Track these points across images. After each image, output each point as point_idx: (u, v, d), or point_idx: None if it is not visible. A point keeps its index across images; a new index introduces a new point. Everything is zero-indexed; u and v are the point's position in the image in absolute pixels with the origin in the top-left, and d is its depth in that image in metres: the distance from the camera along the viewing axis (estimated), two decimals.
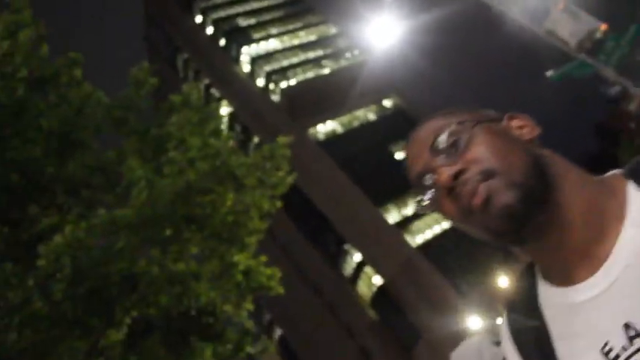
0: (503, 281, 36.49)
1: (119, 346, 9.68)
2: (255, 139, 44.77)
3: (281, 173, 8.76)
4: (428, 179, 1.02)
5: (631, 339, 0.91)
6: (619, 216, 0.97)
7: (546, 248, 0.99)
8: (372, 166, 45.15)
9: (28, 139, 9.72)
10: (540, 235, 0.96)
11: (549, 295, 1.02)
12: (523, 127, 1.06)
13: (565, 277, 0.99)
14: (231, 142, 8.60)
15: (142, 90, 9.89)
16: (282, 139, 8.81)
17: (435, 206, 1.03)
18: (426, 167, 1.02)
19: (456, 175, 0.97)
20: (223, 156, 8.04)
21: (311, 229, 44.17)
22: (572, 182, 0.99)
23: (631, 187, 1.00)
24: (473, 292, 38.45)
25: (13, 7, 9.10)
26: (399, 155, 48.82)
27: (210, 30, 57.27)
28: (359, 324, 43.21)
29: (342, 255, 44.47)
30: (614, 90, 16.54)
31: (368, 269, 43.26)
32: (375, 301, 43.12)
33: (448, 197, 0.98)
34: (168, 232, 8.29)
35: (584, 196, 0.98)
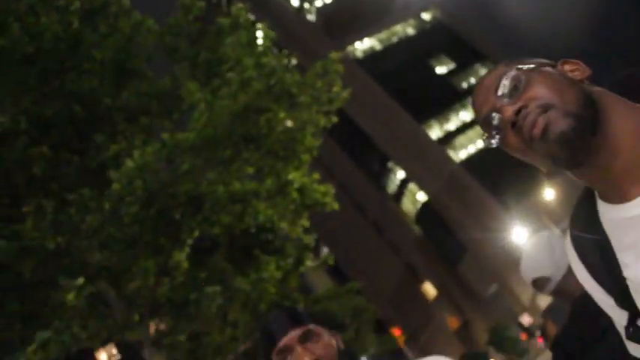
0: (549, 193, 36.27)
1: (185, 264, 10.26)
2: (293, 61, 44.40)
3: (336, 88, 8.87)
4: (494, 118, 1.17)
5: None
6: None
7: (600, 171, 1.12)
8: (413, 82, 44.43)
9: (85, 71, 10.01)
10: (594, 158, 1.10)
11: (607, 212, 1.16)
12: (575, 70, 1.20)
13: (619, 196, 1.12)
14: (285, 61, 8.69)
15: (190, 15, 9.96)
16: (335, 55, 8.86)
17: (502, 141, 1.18)
18: (492, 108, 1.17)
19: (518, 111, 1.11)
20: (278, 74, 8.17)
21: (354, 148, 44.32)
22: (620, 112, 1.12)
23: None
24: (518, 206, 38.43)
25: None
26: (440, 69, 47.79)
27: None
28: (404, 241, 43.99)
29: (385, 173, 44.74)
30: None
31: (412, 186, 43.52)
32: (419, 217, 43.60)
33: (512, 131, 1.13)
34: (227, 152, 8.59)
35: (632, 124, 1.10)
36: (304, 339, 1.50)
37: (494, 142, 1.18)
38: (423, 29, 50.44)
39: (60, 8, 9.27)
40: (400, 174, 43.80)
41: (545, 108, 1.09)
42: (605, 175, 1.12)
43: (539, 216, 36.36)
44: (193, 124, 8.25)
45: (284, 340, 1.49)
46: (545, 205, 35.94)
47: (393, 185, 44.64)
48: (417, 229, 44.04)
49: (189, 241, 10.08)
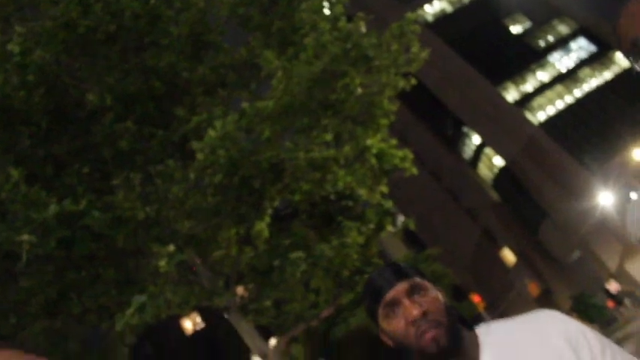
0: (636, 154, 34.37)
1: (266, 232, 10.44)
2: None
3: (414, 49, 8.66)
4: None
5: None
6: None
7: None
8: (487, 43, 42.94)
9: (163, 46, 10.23)
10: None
11: None
12: None
13: None
14: (362, 24, 8.54)
15: None
16: (412, 16, 8.63)
17: None
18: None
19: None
20: (355, 38, 8.05)
21: (427, 114, 43.58)
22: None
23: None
24: (601, 168, 36.69)
25: None
26: (515, 29, 45.86)
27: None
28: (481, 207, 43.11)
29: (460, 138, 43.80)
30: None
31: (488, 150, 42.44)
32: (497, 182, 42.55)
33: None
34: (306, 119, 8.59)
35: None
36: (412, 292, 1.47)
37: None
38: None
39: None
40: (476, 138, 42.74)
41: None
42: None
43: (626, 178, 34.63)
44: (272, 93, 8.29)
45: (391, 293, 1.47)
46: (632, 165, 34.16)
47: (468, 150, 43.66)
48: (494, 195, 43.02)
49: (270, 210, 10.25)
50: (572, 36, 44.33)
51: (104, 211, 8.32)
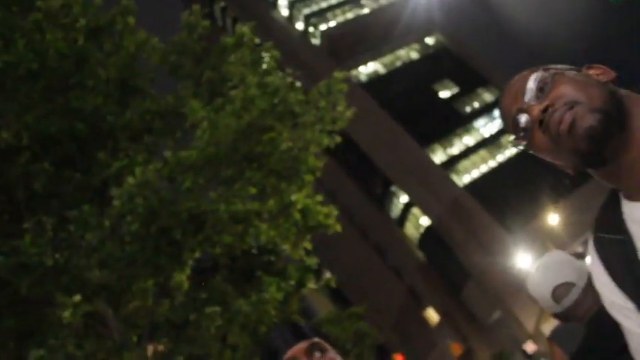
0: (552, 219, 36.07)
1: (186, 285, 10.12)
2: (298, 84, 44.59)
3: (340, 108, 8.83)
4: (521, 119, 1.19)
5: None
6: None
7: (625, 169, 1.12)
8: (417, 106, 44.56)
9: (89, 89, 10.00)
10: (619, 155, 1.11)
11: (631, 211, 1.15)
12: (600, 73, 1.22)
13: None
14: (288, 80, 8.65)
15: (194, 33, 9.98)
16: (339, 75, 8.84)
17: (529, 141, 1.19)
18: (519, 109, 1.19)
19: (545, 109, 1.13)
20: (282, 93, 8.13)
21: (357, 171, 44.28)
22: None
23: None
24: (522, 230, 38.17)
25: None
26: (444, 94, 47.96)
27: None
28: (407, 266, 43.65)
29: (388, 197, 44.62)
30: None
31: (415, 210, 43.34)
32: (422, 242, 43.33)
33: (539, 130, 1.15)
34: (230, 171, 8.52)
35: None
36: (311, 351, 1.41)
37: (522, 143, 1.20)
38: (427, 53, 50.76)
39: (65, 25, 9.29)
40: (403, 198, 43.66)
41: (572, 105, 1.11)
42: (629, 172, 1.13)
43: (544, 241, 36.08)
44: (196, 143, 8.20)
45: (290, 352, 1.41)
46: (550, 230, 35.69)
47: (396, 209, 44.47)
48: (420, 254, 43.74)
49: (191, 262, 9.96)
50: (496, 104, 46.70)
51: (8, 256, 7.84)
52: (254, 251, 10.64)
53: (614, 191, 1.23)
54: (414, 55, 50.92)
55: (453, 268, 41.28)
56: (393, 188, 43.94)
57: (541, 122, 1.14)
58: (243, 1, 54.29)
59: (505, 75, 49.57)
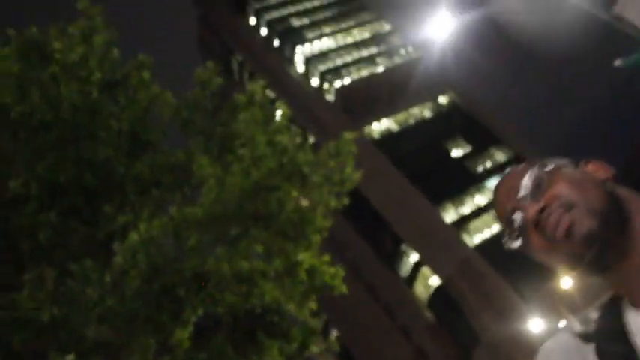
0: (565, 283, 35.37)
1: (187, 343, 9.86)
2: (311, 139, 45.01)
3: (348, 169, 8.77)
4: (516, 218, 1.14)
5: None
6: None
7: (628, 273, 1.07)
8: (429, 164, 44.65)
9: (101, 141, 10.05)
10: (620, 258, 1.06)
11: (635, 320, 1.09)
12: (598, 170, 1.19)
13: None
14: (297, 139, 8.64)
15: (207, 90, 10.07)
16: (348, 136, 8.82)
17: (524, 241, 1.14)
18: (514, 208, 1.15)
19: (541, 211, 1.09)
20: (290, 153, 8.10)
21: (368, 228, 44.03)
22: None
23: None
24: (534, 294, 37.43)
25: (87, 14, 9.45)
26: (456, 152, 48.08)
27: (263, 31, 57.90)
28: (416, 325, 42.78)
29: (398, 255, 44.15)
30: None
31: (425, 270, 42.78)
32: (432, 302, 42.59)
33: (535, 231, 1.10)
34: (235, 230, 8.40)
35: None
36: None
37: (516, 243, 1.15)
38: (440, 112, 51.25)
39: (81, 78, 9.41)
40: (413, 257, 43.17)
41: (569, 207, 1.07)
42: (632, 279, 1.08)
43: (556, 305, 35.32)
44: (202, 200, 8.13)
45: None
46: (562, 293, 34.98)
47: (405, 268, 43.92)
48: (429, 314, 42.88)
49: (194, 319, 9.74)
50: (508, 164, 46.82)
51: (5, 310, 7.68)
52: (258, 310, 10.40)
53: (615, 295, 1.17)
54: (427, 113, 51.42)
55: (463, 330, 40.37)
56: (404, 246, 43.52)
57: (537, 224, 1.10)
58: (260, 56, 55.52)
59: (516, 135, 49.79)
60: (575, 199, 1.08)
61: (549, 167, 1.16)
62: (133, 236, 7.54)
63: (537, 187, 1.13)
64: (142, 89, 10.51)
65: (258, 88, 9.78)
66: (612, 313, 1.16)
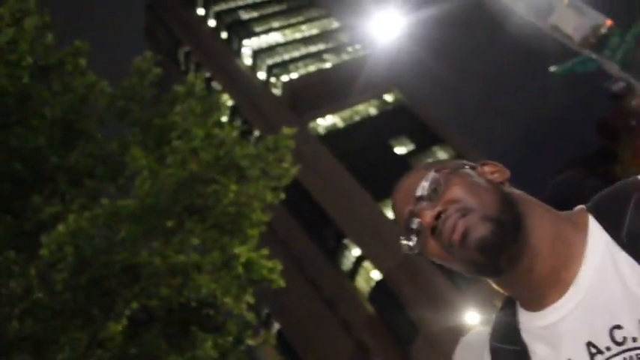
0: None
1: (119, 337, 9.68)
2: (256, 133, 44.76)
3: (285, 165, 8.77)
4: (414, 223, 1.13)
5: (592, 356, 1.03)
6: (582, 245, 1.09)
7: (520, 277, 1.09)
8: (373, 160, 45.15)
9: (32, 128, 9.69)
10: (514, 264, 1.07)
11: (526, 320, 1.13)
12: (494, 172, 1.19)
13: (539, 302, 1.11)
14: (235, 133, 8.57)
15: (145, 80, 9.86)
16: (287, 131, 8.81)
17: (421, 247, 1.14)
18: (411, 213, 1.14)
19: (438, 216, 1.09)
20: (227, 146, 8.04)
21: (310, 223, 44.20)
22: (539, 216, 1.11)
23: (592, 220, 1.11)
24: (470, 288, 38.50)
25: None
26: (400, 150, 48.83)
27: (212, 23, 57.11)
28: (356, 319, 43.28)
29: (341, 249, 44.53)
30: (618, 86, 16.49)
31: (367, 264, 43.32)
32: (373, 296, 43.18)
33: (432, 237, 1.10)
34: (170, 222, 8.28)
35: (551, 228, 1.10)
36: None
37: (414, 247, 1.15)
38: (385, 110, 51.89)
39: (10, 62, 9.04)
40: (355, 251, 43.65)
41: (465, 212, 1.07)
42: (525, 282, 1.10)
43: (492, 299, 36.37)
44: (135, 192, 7.96)
45: None
46: (498, 288, 36.12)
47: (347, 262, 44.35)
48: (370, 308, 43.47)
49: (127, 312, 9.55)
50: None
51: None
52: (193, 304, 10.29)
53: (510, 297, 1.19)
54: (373, 110, 51.97)
55: (402, 323, 41.12)
56: (346, 241, 43.93)
57: (433, 229, 1.09)
58: (207, 48, 54.75)
59: (459, 135, 51.01)
60: (471, 204, 1.08)
61: (446, 169, 1.15)
62: (60, 228, 7.30)
63: (434, 191, 1.12)
64: (77, 76, 10.19)
65: (198, 80, 9.64)
66: (507, 314, 1.19)
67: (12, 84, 9.25)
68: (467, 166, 1.19)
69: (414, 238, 1.14)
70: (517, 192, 1.15)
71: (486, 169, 1.19)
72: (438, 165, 1.18)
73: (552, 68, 13.80)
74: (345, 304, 43.39)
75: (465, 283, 38.93)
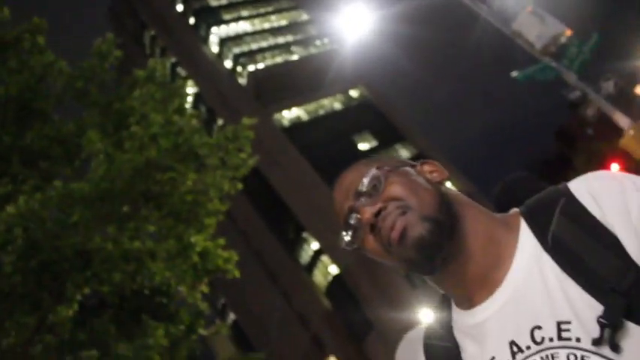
0: None
1: (69, 323, 9.50)
2: (219, 121, 44.35)
3: (243, 155, 8.73)
4: (353, 219, 1.15)
5: (514, 354, 1.06)
6: (513, 247, 1.11)
7: (453, 276, 1.12)
8: (335, 155, 45.26)
9: None
10: (448, 263, 1.10)
11: (458, 318, 1.16)
12: (433, 171, 1.21)
13: (469, 301, 1.14)
14: (194, 121, 8.48)
15: (105, 62, 9.66)
16: (247, 121, 8.76)
17: (360, 243, 1.15)
18: (351, 209, 1.15)
19: (377, 213, 1.10)
20: (186, 134, 7.95)
21: (270, 214, 44.12)
22: (473, 217, 1.13)
23: (523, 223, 1.13)
24: (426, 286, 39.08)
25: None
26: (363, 146, 49.10)
27: (179, 7, 56.24)
28: (313, 312, 43.46)
29: (299, 242, 44.59)
30: (575, 95, 16.94)
31: (325, 258, 43.50)
32: (329, 290, 43.40)
33: (371, 234, 1.12)
34: (125, 208, 8.16)
35: (484, 229, 1.13)
36: None
37: (352, 243, 1.15)
38: (350, 105, 52.08)
39: None
40: (314, 245, 43.78)
41: (404, 209, 1.09)
42: (458, 281, 1.12)
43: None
44: (90, 175, 7.81)
45: None
46: None
47: (306, 255, 44.46)
48: (326, 302, 43.69)
49: (79, 297, 9.37)
50: (412, 160, 48.21)
51: None
52: (146, 291, 10.17)
53: (446, 297, 1.22)
54: (338, 105, 52.09)
55: (357, 318, 41.47)
56: (305, 234, 44.01)
57: (372, 226, 1.10)
58: (173, 33, 53.90)
59: (421, 134, 51.59)
60: (410, 202, 1.09)
61: (386, 167, 1.17)
62: (10, 209, 7.12)
63: (374, 188, 1.13)
64: (34, 54, 9.92)
65: (159, 64, 9.50)
66: (442, 311, 1.22)
67: None
68: (407, 165, 1.21)
69: (353, 234, 1.16)
70: (454, 192, 1.18)
71: (426, 168, 1.21)
72: (379, 162, 1.20)
73: (514, 73, 14.08)
74: (301, 298, 43.52)
75: (420, 281, 39.49)
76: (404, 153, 49.70)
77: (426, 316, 36.13)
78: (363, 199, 1.14)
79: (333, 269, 43.15)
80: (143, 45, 56.40)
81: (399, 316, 36.75)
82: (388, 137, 49.69)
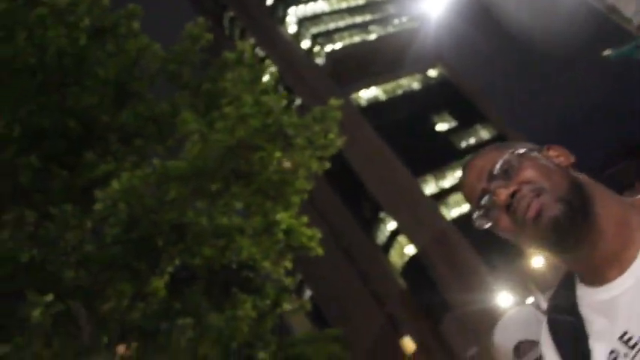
0: (536, 261, 36.15)
1: (163, 291, 10.05)
2: (298, 101, 44.81)
3: (331, 135, 8.87)
4: (486, 200, 1.21)
5: None
6: None
7: (584, 255, 1.16)
8: (413, 135, 44.79)
9: (86, 88, 10.01)
10: (581, 243, 1.14)
11: (585, 295, 1.21)
12: (560, 155, 1.25)
13: (599, 279, 1.17)
14: (283, 102, 8.69)
15: (196, 45, 10.03)
16: (334, 102, 8.88)
17: (493, 222, 1.21)
18: (484, 190, 1.21)
19: (512, 194, 1.15)
20: (275, 114, 8.17)
21: (348, 194, 44.33)
22: (604, 199, 1.18)
23: None
24: (504, 270, 38.21)
25: None
26: (441, 126, 48.29)
27: None
28: (388, 292, 43.54)
29: (376, 222, 44.62)
30: None
31: (401, 238, 43.35)
32: (405, 270, 43.28)
33: (505, 213, 1.17)
34: (216, 185, 8.51)
35: (615, 210, 1.17)
36: None
37: (486, 222, 1.22)
38: (429, 85, 51.17)
39: (69, 24, 9.32)
40: (391, 225, 43.68)
41: (538, 192, 1.14)
42: (588, 259, 1.16)
43: (526, 282, 36.06)
44: (185, 154, 8.20)
45: None
46: (533, 272, 35.74)
47: (382, 235, 44.46)
48: (402, 282, 43.64)
49: (170, 269, 9.90)
50: (492, 141, 46.97)
51: None
52: (233, 266, 10.59)
53: (569, 273, 1.27)
54: (416, 85, 51.33)
55: (434, 299, 41.20)
56: (382, 214, 43.97)
57: (508, 207, 1.16)
58: (252, 13, 54.68)
59: (502, 115, 50.04)
60: (545, 185, 1.14)
61: (518, 151, 1.22)
62: (115, 185, 7.61)
63: (506, 172, 1.18)
64: (130, 39, 10.43)
65: (247, 47, 9.76)
66: (566, 288, 1.26)
67: (70, 45, 9.55)
68: (535, 150, 1.25)
69: (487, 215, 1.21)
70: (582, 176, 1.22)
71: (552, 152, 1.26)
72: (511, 147, 1.25)
73: (606, 52, 13.32)
74: (377, 277, 43.68)
75: (500, 266, 38.64)
76: (484, 134, 48.49)
77: (504, 300, 35.37)
78: (496, 182, 1.19)
79: (410, 249, 42.95)
80: (223, 26, 57.59)
81: (475, 298, 36.21)
82: (468, 118, 48.56)
